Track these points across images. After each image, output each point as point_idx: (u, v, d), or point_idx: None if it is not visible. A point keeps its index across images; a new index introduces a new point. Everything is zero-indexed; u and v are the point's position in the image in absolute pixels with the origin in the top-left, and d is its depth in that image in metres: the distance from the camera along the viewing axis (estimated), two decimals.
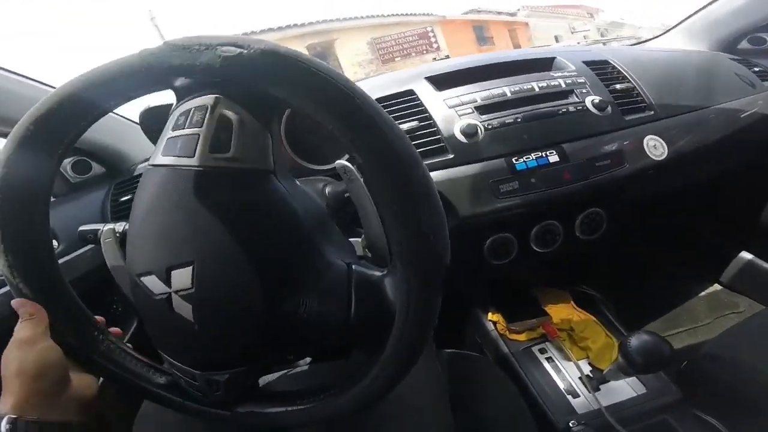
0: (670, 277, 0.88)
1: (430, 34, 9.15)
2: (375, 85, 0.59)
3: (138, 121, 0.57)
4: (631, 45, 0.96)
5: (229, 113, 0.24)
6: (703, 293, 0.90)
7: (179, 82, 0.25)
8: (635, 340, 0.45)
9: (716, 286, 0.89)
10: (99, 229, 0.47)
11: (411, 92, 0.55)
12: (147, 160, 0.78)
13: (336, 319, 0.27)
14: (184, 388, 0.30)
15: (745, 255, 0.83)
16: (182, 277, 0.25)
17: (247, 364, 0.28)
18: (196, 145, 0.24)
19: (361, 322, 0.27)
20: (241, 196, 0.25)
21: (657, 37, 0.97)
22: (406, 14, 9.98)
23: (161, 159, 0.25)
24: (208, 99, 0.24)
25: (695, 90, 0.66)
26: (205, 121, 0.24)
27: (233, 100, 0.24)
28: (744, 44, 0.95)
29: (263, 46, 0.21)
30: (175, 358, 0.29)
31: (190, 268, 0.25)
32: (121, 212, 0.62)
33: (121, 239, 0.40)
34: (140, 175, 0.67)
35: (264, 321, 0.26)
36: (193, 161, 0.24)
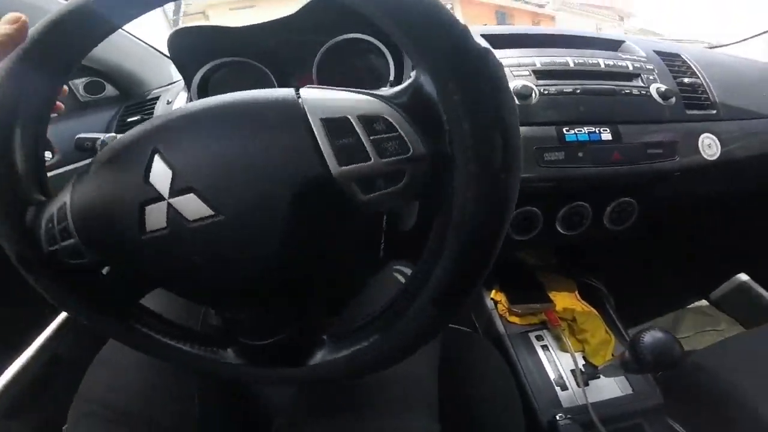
0: (673, 283, 0.87)
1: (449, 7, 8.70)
2: None
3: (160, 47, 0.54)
4: (705, 48, 0.91)
5: (410, 175, 0.20)
6: (689, 307, 0.90)
7: None
8: (649, 337, 0.44)
9: (701, 302, 0.90)
10: (98, 138, 0.45)
11: None
12: (161, 87, 0.75)
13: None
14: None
15: (742, 276, 0.83)
16: (193, 207, 0.20)
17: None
18: (356, 164, 0.20)
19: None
20: (330, 223, 0.22)
21: (734, 43, 0.92)
22: None
23: (316, 123, 0.20)
24: (418, 147, 0.20)
25: (762, 98, 0.62)
26: (389, 160, 0.20)
27: (429, 173, 0.21)
28: None
29: None
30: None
31: (212, 215, 0.20)
32: (125, 131, 0.60)
33: None
34: (153, 98, 0.65)
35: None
36: (335, 169, 0.20)
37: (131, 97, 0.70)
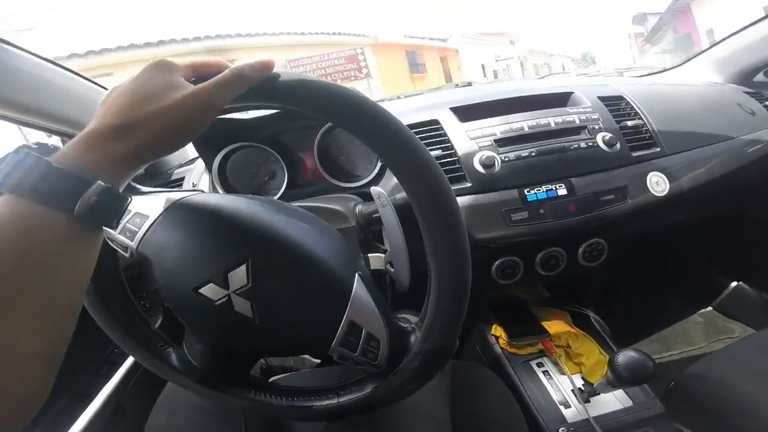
0: (663, 301, 0.92)
1: (360, 57, 7.67)
2: (402, 111, 0.65)
3: None
4: (652, 74, 0.98)
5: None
6: (699, 319, 0.94)
7: None
8: (622, 357, 0.51)
9: (712, 312, 0.93)
10: None
11: (436, 122, 0.61)
12: (182, 165, 0.84)
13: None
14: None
15: (738, 282, 0.87)
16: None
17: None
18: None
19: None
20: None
21: (677, 66, 1.00)
22: (333, 33, 8.32)
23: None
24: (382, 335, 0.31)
25: (703, 126, 0.69)
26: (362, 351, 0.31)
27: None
28: (760, 77, 0.98)
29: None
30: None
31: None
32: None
33: None
34: (178, 179, 0.74)
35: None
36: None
37: (156, 175, 0.77)
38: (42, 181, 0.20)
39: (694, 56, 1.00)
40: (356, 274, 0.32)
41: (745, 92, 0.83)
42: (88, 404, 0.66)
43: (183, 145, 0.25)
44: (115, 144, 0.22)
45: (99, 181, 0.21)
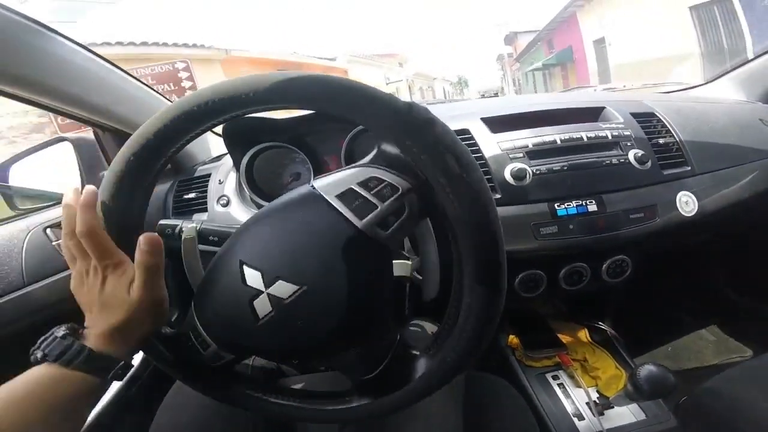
0: (677, 315, 0.92)
1: (183, 75, 5.55)
2: None
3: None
4: (682, 90, 0.97)
5: (408, 204, 0.30)
6: (711, 337, 0.94)
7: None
8: (643, 371, 0.52)
9: (725, 331, 0.94)
10: (177, 225, 0.54)
11: (467, 131, 0.61)
12: (207, 162, 0.85)
13: (363, 372, 0.34)
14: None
15: (748, 302, 0.87)
16: (284, 289, 0.29)
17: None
18: (370, 214, 0.29)
19: (382, 378, 0.33)
20: (372, 262, 0.31)
21: (707, 83, 0.99)
22: (150, 43, 5.94)
23: (333, 200, 0.30)
24: (404, 184, 0.29)
25: (734, 145, 0.69)
26: (389, 201, 0.29)
27: (419, 198, 0.30)
28: None
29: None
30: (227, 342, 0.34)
31: (298, 288, 0.29)
32: (182, 208, 0.70)
33: (200, 236, 0.45)
34: (204, 176, 0.75)
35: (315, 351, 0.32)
36: (358, 223, 0.29)
37: (182, 170, 0.77)
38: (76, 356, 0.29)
39: (722, 74, 0.99)
40: None
41: None
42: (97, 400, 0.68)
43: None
44: (116, 334, 0.31)
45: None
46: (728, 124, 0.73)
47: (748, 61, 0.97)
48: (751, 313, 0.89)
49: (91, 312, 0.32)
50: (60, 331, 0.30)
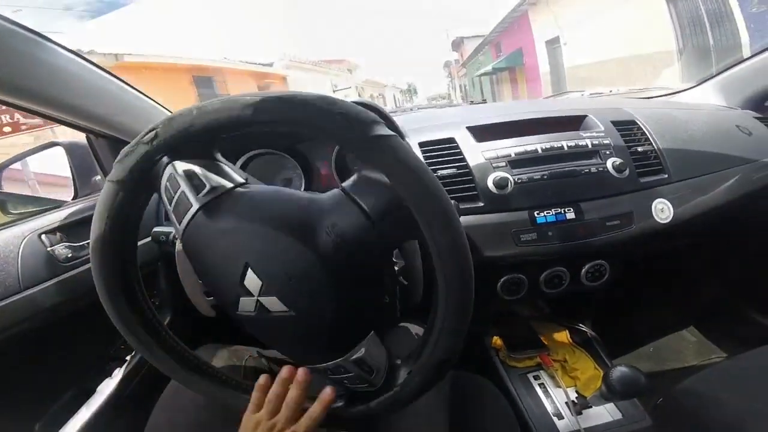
0: (656, 316, 0.95)
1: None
2: (419, 126, 0.66)
3: None
4: (666, 95, 1.00)
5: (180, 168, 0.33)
6: (692, 338, 0.97)
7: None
8: (616, 372, 0.54)
9: (705, 331, 0.96)
10: (171, 232, 0.56)
11: (452, 140, 0.62)
12: None
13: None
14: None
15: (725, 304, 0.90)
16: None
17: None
18: (188, 198, 0.33)
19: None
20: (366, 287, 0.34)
21: (692, 88, 1.01)
22: None
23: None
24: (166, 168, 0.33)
25: (711, 152, 0.71)
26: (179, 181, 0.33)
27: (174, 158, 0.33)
28: None
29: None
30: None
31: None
32: None
33: None
34: None
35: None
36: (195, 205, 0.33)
37: None
38: None
39: (707, 78, 1.01)
40: None
41: (755, 117, 0.84)
42: (91, 400, 0.69)
43: None
44: None
45: None
46: (706, 130, 0.75)
47: (730, 67, 0.99)
48: (729, 315, 0.92)
49: None
50: None
